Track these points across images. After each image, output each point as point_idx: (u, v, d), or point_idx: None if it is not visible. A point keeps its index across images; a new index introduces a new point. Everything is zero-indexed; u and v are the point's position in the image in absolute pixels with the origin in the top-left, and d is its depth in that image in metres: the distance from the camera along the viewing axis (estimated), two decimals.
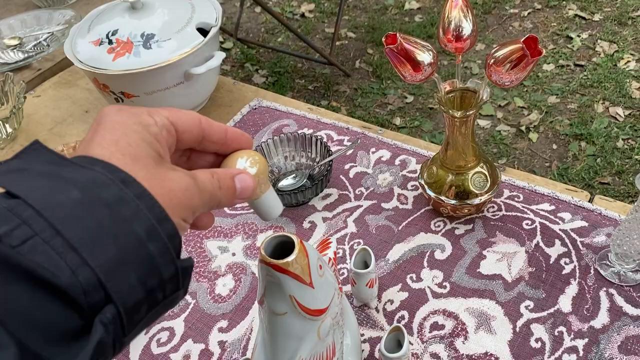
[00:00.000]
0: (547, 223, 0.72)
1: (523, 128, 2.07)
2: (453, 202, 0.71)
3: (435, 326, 0.64)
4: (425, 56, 0.60)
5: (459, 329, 0.63)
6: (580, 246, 0.69)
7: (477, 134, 2.04)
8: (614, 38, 2.41)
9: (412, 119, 2.16)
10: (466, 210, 0.72)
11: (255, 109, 0.99)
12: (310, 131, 0.91)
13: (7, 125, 0.95)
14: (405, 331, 0.55)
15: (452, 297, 0.66)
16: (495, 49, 0.60)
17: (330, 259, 0.54)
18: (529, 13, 2.65)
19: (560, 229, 0.71)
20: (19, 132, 1.00)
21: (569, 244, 0.70)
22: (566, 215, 0.73)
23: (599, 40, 2.41)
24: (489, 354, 0.60)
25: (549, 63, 2.33)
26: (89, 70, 0.87)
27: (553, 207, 0.74)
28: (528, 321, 0.63)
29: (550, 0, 2.68)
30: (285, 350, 0.44)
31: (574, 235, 0.70)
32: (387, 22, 2.68)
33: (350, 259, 0.70)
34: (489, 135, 2.06)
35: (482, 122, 2.10)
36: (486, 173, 0.71)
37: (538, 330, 0.62)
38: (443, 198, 0.71)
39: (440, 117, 2.13)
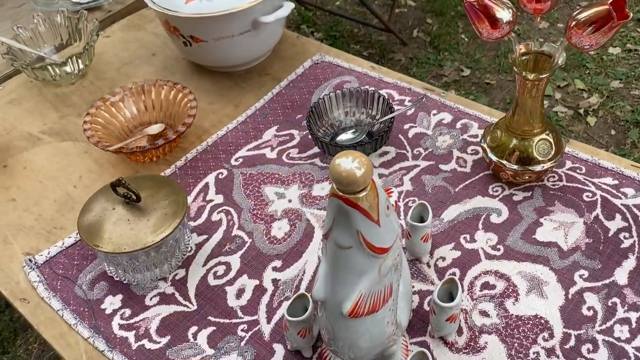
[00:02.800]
0: (608, 197, 0.71)
1: (581, 111, 2.00)
2: (515, 167, 0.70)
3: (486, 285, 0.64)
4: (504, 13, 0.59)
5: (510, 290, 0.63)
6: None
7: None
8: None
9: (467, 93, 2.11)
10: (527, 177, 0.72)
11: (317, 63, 0.99)
12: (372, 89, 0.91)
13: (79, 61, 0.98)
14: (459, 283, 0.56)
15: (505, 259, 0.66)
16: (578, 11, 0.59)
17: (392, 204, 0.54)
18: None
19: (622, 204, 0.70)
20: (88, 70, 1.03)
21: (630, 219, 0.68)
22: (629, 191, 0.71)
23: None
24: (539, 316, 0.61)
25: (616, 46, 2.24)
26: (161, 11, 0.89)
27: (616, 182, 0.72)
28: (581, 289, 0.62)
29: None
30: (346, 284, 0.46)
31: (635, 211, 0.69)
32: None
33: (405, 215, 0.71)
34: None
35: None
36: (551, 141, 0.70)
37: (591, 299, 0.61)
38: (505, 162, 0.71)
39: (497, 93, 2.09)
